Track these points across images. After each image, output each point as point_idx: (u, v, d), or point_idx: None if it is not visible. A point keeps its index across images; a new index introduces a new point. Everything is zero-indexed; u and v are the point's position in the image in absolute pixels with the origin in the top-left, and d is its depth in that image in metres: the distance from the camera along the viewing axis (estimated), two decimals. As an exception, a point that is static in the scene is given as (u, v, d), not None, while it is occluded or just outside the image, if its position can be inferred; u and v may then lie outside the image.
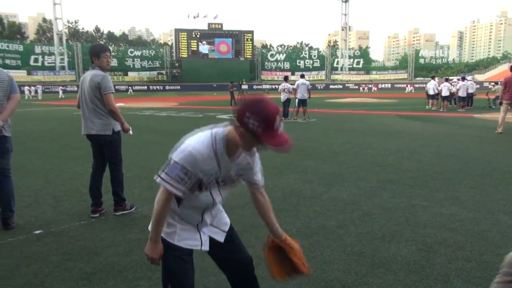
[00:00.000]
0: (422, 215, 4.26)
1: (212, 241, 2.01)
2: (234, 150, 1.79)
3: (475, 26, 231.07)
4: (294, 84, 15.25)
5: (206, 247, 1.98)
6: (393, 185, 5.52)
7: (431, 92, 20.96)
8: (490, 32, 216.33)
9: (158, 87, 64.38)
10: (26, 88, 43.97)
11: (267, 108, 1.60)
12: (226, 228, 2.08)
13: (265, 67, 76.01)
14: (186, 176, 1.73)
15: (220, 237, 2.03)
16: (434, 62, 73.93)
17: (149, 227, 1.91)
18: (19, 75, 56.56)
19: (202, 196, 1.88)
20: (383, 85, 65.08)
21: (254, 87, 63.37)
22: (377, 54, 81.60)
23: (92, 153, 4.50)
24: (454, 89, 20.37)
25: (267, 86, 61.50)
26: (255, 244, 3.53)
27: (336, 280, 2.91)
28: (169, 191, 1.77)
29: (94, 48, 4.39)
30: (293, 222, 4.10)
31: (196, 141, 1.77)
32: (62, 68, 63.25)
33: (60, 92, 44.20)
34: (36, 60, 63.08)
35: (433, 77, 22.11)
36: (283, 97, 15.23)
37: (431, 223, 4.03)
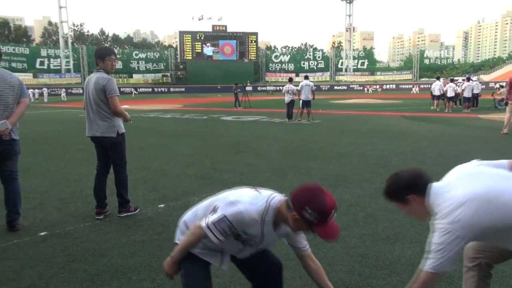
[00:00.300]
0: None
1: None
2: (279, 224, 1.86)
3: (480, 26, 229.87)
4: (298, 86, 15.25)
5: (225, 266, 2.05)
6: (397, 186, 5.48)
7: (436, 93, 20.87)
8: (496, 32, 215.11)
9: (162, 89, 64.59)
10: (30, 91, 44.19)
11: (326, 203, 1.70)
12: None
13: (270, 68, 76.04)
14: (230, 231, 1.82)
15: (242, 256, 2.07)
16: (439, 63, 73.56)
17: (177, 242, 2.04)
18: (25, 78, 56.95)
19: (235, 244, 1.95)
20: (387, 86, 64.87)
21: (259, 88, 63.44)
22: (381, 55, 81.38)
23: (96, 155, 4.53)
24: (459, 90, 20.26)
25: (272, 88, 61.56)
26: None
27: (339, 281, 2.91)
28: (206, 235, 1.85)
29: (100, 51, 4.42)
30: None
31: (250, 203, 1.82)
32: (68, 70, 63.68)
33: (63, 94, 44.35)
34: (42, 63, 63.54)
35: (438, 78, 22.02)
36: (287, 98, 15.23)
37: (435, 224, 4.00)
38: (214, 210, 1.86)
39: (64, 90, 47.89)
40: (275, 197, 1.86)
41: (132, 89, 56.19)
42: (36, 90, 45.31)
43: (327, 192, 1.75)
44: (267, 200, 1.84)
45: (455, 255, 1.77)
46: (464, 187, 1.83)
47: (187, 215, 2.16)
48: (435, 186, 1.95)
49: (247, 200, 1.82)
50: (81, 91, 51.65)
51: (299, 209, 1.69)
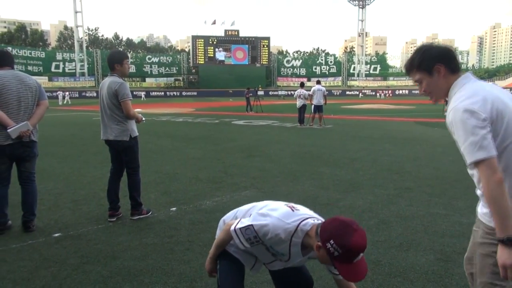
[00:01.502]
0: (440, 224, 4.17)
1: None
2: (308, 248, 1.82)
3: (495, 31, 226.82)
4: (310, 90, 15.22)
5: (255, 271, 2.10)
6: (410, 192, 5.43)
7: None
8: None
9: (175, 93, 65.15)
10: (60, 93, 44.86)
11: (352, 241, 1.60)
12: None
13: (281, 73, 76.10)
14: (256, 241, 1.84)
15: (279, 266, 2.06)
16: (453, 68, 72.78)
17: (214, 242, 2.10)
18: (40, 81, 56.93)
19: (266, 255, 1.96)
20: (400, 91, 64.32)
21: (270, 93, 63.50)
22: (394, 60, 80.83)
23: (110, 158, 4.58)
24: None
25: (283, 92, 61.51)
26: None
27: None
28: (233, 238, 1.91)
29: (117, 55, 4.49)
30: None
31: (279, 219, 1.81)
32: (82, 74, 64.66)
33: (67, 97, 44.76)
34: (57, 67, 64.67)
35: None
36: (298, 103, 15.22)
37: (450, 232, 3.95)
38: (244, 217, 1.94)
39: (67, 93, 47.07)
40: (309, 221, 1.81)
41: (142, 93, 56.49)
42: (66, 93, 45.65)
43: (359, 230, 1.65)
44: (299, 223, 1.80)
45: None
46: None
47: (227, 215, 2.21)
48: (470, 74, 1.85)
49: (276, 215, 1.82)
50: (95, 94, 52.35)
51: (324, 239, 1.64)
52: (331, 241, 1.61)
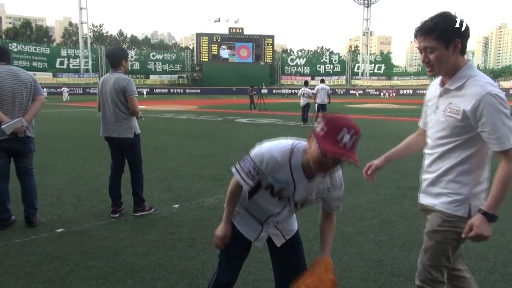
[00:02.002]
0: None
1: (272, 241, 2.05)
2: (312, 173, 1.76)
3: (501, 31, 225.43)
4: (314, 89, 15.20)
5: (260, 243, 2.04)
6: (413, 192, 5.38)
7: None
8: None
9: (178, 90, 65.17)
10: (65, 89, 44.79)
11: (337, 117, 1.61)
12: (288, 236, 2.07)
13: (285, 71, 76.00)
14: (256, 173, 1.79)
15: (278, 241, 2.04)
16: (458, 68, 72.36)
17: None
18: (45, 77, 58.25)
19: (273, 203, 1.90)
20: (404, 91, 64.09)
21: (274, 91, 63.41)
22: (399, 60, 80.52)
23: (110, 155, 4.57)
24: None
25: (287, 91, 61.44)
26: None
27: (354, 287, 2.87)
28: (237, 181, 1.85)
29: (123, 51, 4.54)
30: (311, 228, 4.06)
31: (275, 146, 1.81)
32: (86, 70, 64.79)
33: (66, 94, 44.77)
34: (61, 63, 64.83)
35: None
36: (302, 101, 15.20)
37: (453, 232, 3.93)
38: (244, 158, 1.88)
39: (66, 89, 46.99)
40: (302, 142, 1.80)
41: (144, 90, 56.31)
42: (66, 89, 45.66)
43: (350, 118, 1.63)
44: (292, 143, 1.79)
45: None
46: None
47: None
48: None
49: (272, 145, 1.82)
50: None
51: (315, 127, 1.65)
52: (320, 122, 1.63)
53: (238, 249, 2.05)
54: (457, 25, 1.74)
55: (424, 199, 2.02)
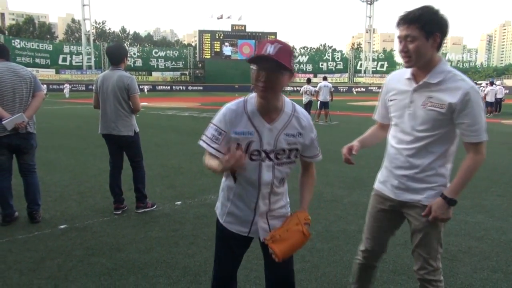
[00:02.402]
0: (446, 223, 4.14)
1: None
2: (266, 108, 1.75)
3: (504, 29, 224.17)
4: (316, 86, 15.17)
5: (254, 235, 1.94)
6: (416, 190, 5.40)
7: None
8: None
9: (181, 87, 65.07)
10: (67, 86, 44.97)
11: (265, 40, 1.67)
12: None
13: (288, 69, 75.80)
14: (219, 134, 1.78)
15: (264, 235, 1.93)
16: (461, 66, 72.04)
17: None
18: (48, 73, 58.31)
19: (250, 170, 1.80)
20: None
21: (276, 88, 63.26)
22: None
23: (109, 152, 4.56)
24: (482, 94, 19.86)
25: (289, 88, 61.20)
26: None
27: (356, 285, 2.87)
28: (206, 150, 1.83)
29: (124, 49, 4.56)
30: (313, 226, 4.05)
31: (229, 103, 1.82)
32: (89, 67, 64.78)
33: (66, 90, 44.90)
34: (64, 60, 64.81)
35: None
36: (304, 99, 15.17)
37: (455, 231, 3.92)
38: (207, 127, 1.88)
39: (68, 86, 47.18)
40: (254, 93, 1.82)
41: (145, 87, 56.08)
42: (67, 85, 45.83)
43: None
44: (245, 96, 1.83)
45: None
46: None
47: None
48: None
49: (227, 104, 1.84)
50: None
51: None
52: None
53: (232, 250, 2.01)
54: (441, 20, 1.79)
55: (405, 196, 2.03)
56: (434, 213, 1.91)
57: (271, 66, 1.61)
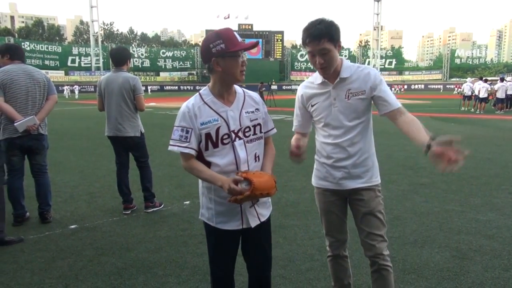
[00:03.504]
0: (456, 221, 4.11)
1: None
2: (225, 93, 1.90)
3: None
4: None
5: (247, 225, 1.96)
6: (425, 189, 5.36)
7: (467, 93, 20.36)
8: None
9: (188, 87, 65.36)
10: (65, 87, 45.59)
11: (219, 31, 1.81)
12: (263, 218, 2.03)
13: (295, 67, 75.68)
14: (187, 133, 1.85)
15: (253, 223, 1.98)
16: (470, 62, 71.30)
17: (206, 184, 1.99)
18: (57, 75, 58.87)
19: (225, 154, 1.88)
20: (416, 86, 63.38)
21: (283, 87, 63.27)
22: (410, 54, 79.59)
23: (115, 152, 4.58)
24: (487, 90, 19.59)
25: (297, 87, 61.18)
26: (283, 245, 3.53)
27: (365, 284, 2.86)
28: (182, 153, 1.88)
29: (128, 52, 4.62)
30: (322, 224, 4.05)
31: (184, 103, 1.93)
32: (98, 68, 65.32)
33: (76, 91, 45.52)
34: (73, 61, 65.46)
35: (481, 78, 21.09)
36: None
37: (466, 229, 3.88)
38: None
39: (77, 87, 47.65)
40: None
41: (148, 87, 56.11)
42: (68, 87, 46.60)
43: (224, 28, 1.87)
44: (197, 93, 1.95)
45: None
46: None
47: None
48: None
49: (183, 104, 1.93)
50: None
51: (209, 54, 1.80)
52: (210, 46, 1.78)
53: (230, 249, 2.04)
54: (338, 28, 2.01)
55: (350, 183, 2.18)
56: (450, 152, 1.85)
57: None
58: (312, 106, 2.20)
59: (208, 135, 1.86)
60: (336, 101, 2.11)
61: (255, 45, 1.94)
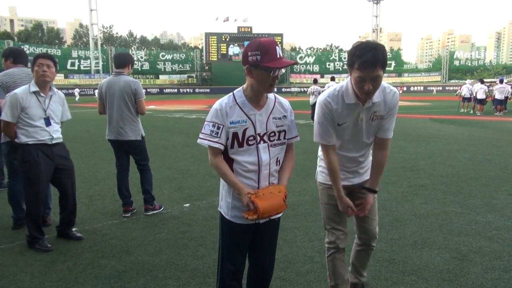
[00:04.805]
0: (456, 222, 4.11)
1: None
2: (256, 98, 1.96)
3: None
4: (324, 87, 15.13)
5: (258, 220, 1.98)
6: (425, 190, 5.36)
7: (466, 95, 20.39)
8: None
9: (188, 90, 65.30)
10: (76, 90, 46.26)
11: (261, 41, 1.86)
12: (275, 216, 2.09)
13: (294, 69, 75.68)
14: (217, 129, 1.93)
15: (263, 219, 2.01)
16: (469, 64, 71.33)
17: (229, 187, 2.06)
18: (56, 78, 58.08)
19: (249, 154, 1.97)
20: (415, 88, 63.43)
21: (283, 90, 63.29)
22: (409, 56, 79.68)
23: (115, 155, 4.59)
24: (487, 91, 19.62)
25: (296, 89, 61.29)
26: (283, 247, 3.53)
27: (366, 286, 2.85)
28: (210, 147, 1.96)
29: (131, 57, 4.60)
30: (322, 226, 4.04)
31: (219, 100, 1.99)
32: (97, 71, 65.32)
33: (77, 94, 45.74)
34: (73, 64, 65.43)
35: (481, 80, 21.05)
36: (312, 99, 15.14)
37: (465, 230, 3.89)
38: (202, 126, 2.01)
39: (77, 90, 47.96)
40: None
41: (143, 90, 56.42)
42: (77, 90, 47.02)
43: (265, 38, 1.93)
44: (232, 92, 2.01)
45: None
46: None
47: None
48: None
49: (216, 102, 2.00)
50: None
51: (246, 60, 1.88)
52: (249, 54, 1.85)
53: (242, 243, 2.11)
54: (387, 56, 2.04)
55: (356, 180, 2.44)
56: (369, 203, 2.38)
57: None
58: (339, 125, 2.22)
59: (235, 135, 1.94)
60: (362, 122, 2.22)
61: (291, 64, 2.04)
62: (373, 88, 2.02)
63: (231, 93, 2.00)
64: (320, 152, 2.43)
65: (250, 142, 1.96)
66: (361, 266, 2.64)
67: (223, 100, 1.97)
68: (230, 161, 1.99)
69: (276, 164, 2.06)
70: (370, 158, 2.43)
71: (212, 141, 1.93)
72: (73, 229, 3.92)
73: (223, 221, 2.11)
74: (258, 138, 1.97)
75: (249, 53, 1.85)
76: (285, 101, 2.10)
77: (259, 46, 1.83)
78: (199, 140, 1.98)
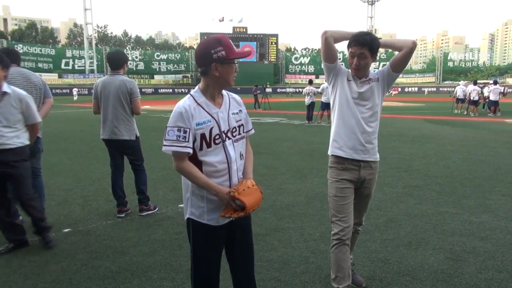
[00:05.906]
0: (450, 223, 4.14)
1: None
2: (215, 96, 1.99)
3: (507, 28, 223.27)
4: (319, 87, 15.16)
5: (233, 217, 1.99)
6: (419, 191, 5.39)
7: (460, 96, 20.53)
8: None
9: (183, 90, 65.14)
10: (75, 90, 46.32)
11: (219, 37, 1.91)
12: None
13: (289, 70, 75.83)
14: (185, 133, 1.89)
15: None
16: (463, 65, 71.84)
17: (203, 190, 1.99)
18: (50, 78, 58.50)
19: (217, 154, 1.96)
20: (409, 89, 63.78)
21: (278, 90, 63.36)
22: (403, 57, 79.98)
23: (109, 155, 4.56)
24: (486, 93, 19.76)
25: (291, 90, 61.35)
26: (277, 248, 3.53)
27: (360, 287, 2.86)
28: (175, 152, 1.90)
29: (125, 56, 4.57)
30: (317, 227, 4.06)
31: (178, 103, 1.95)
32: (91, 71, 64.99)
33: (75, 93, 45.75)
34: (67, 64, 65.05)
35: (474, 82, 21.15)
36: (307, 100, 15.16)
37: (459, 231, 3.91)
38: (164, 134, 1.96)
39: (75, 89, 48.58)
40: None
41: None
42: (76, 90, 47.12)
43: (216, 34, 1.99)
44: (188, 94, 2.01)
45: None
46: None
47: None
48: None
49: (176, 105, 1.96)
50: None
51: (208, 59, 1.88)
52: (211, 52, 1.87)
53: (221, 243, 2.10)
54: (379, 44, 2.55)
55: (371, 157, 2.65)
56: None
57: None
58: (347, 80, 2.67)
59: (203, 136, 1.92)
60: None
61: (250, 53, 2.10)
62: (360, 65, 2.49)
63: (189, 95, 1.99)
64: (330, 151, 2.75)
65: (216, 141, 1.96)
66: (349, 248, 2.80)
67: (185, 103, 1.92)
68: (199, 164, 1.94)
69: (241, 159, 2.09)
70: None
71: (180, 146, 1.88)
72: (51, 234, 3.75)
73: (195, 227, 2.03)
74: (224, 136, 1.98)
75: (212, 51, 1.86)
76: (236, 95, 2.16)
77: (221, 42, 1.88)
78: (164, 148, 1.89)
